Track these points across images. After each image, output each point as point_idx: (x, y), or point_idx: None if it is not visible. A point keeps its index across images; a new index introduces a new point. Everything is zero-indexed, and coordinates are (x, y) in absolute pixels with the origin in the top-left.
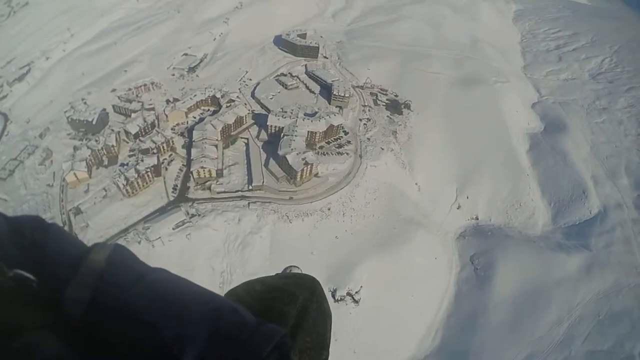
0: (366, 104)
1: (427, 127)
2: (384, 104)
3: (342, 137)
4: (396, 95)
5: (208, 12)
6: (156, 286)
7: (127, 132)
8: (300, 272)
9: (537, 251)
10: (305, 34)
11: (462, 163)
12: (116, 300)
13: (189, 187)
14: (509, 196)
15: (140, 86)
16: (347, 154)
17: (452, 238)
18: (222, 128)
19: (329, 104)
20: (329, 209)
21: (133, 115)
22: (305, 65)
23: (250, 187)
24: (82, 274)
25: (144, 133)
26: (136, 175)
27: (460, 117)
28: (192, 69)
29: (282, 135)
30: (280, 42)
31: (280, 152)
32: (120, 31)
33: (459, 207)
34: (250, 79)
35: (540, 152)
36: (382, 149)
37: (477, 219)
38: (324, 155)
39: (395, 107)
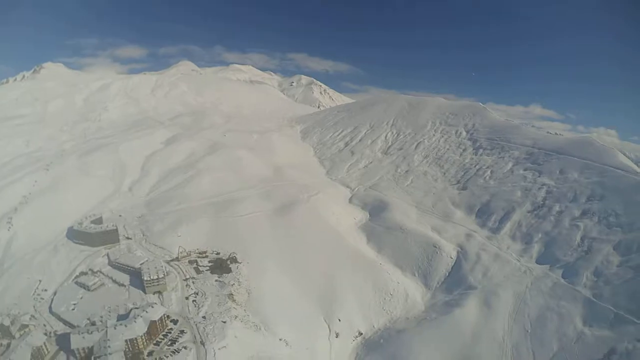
0: (188, 276)
1: (263, 272)
2: (208, 267)
3: (172, 329)
4: (217, 253)
5: None
6: None
7: None
8: None
9: (436, 325)
10: (101, 217)
11: (316, 288)
12: None
13: None
14: (376, 294)
15: None
16: (185, 347)
17: None
18: None
19: (145, 293)
20: None
21: None
22: (107, 255)
23: None
24: None
25: None
26: None
27: (292, 244)
28: None
29: (92, 359)
30: (74, 234)
31: None
32: None
33: (337, 335)
34: (46, 289)
35: (379, 236)
36: (225, 322)
37: (362, 334)
38: None
39: (221, 266)
